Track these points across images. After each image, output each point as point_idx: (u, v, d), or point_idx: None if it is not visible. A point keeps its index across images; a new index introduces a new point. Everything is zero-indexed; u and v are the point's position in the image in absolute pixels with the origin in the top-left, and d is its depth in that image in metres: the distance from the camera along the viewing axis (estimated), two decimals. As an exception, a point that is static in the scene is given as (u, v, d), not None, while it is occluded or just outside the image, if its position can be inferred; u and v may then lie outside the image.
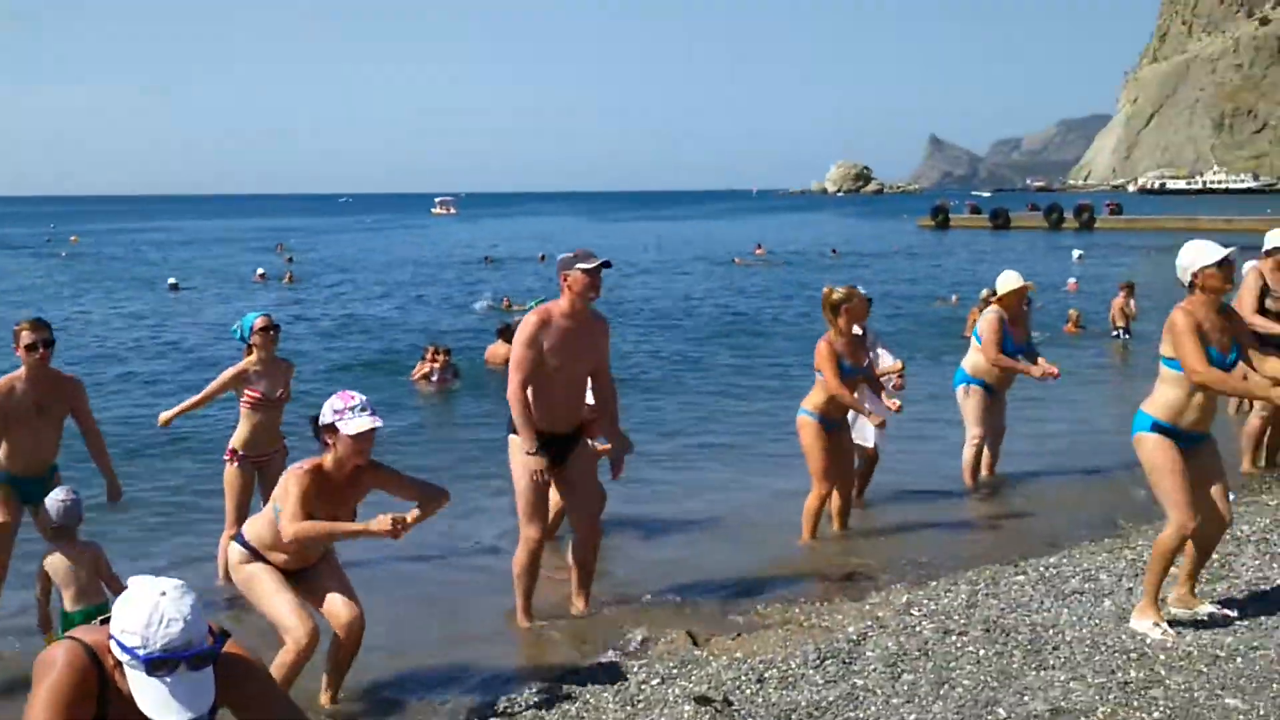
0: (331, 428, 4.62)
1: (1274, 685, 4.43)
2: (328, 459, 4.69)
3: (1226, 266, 5.05)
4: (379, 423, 4.63)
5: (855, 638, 5.26)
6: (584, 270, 5.71)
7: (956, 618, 5.45)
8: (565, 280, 5.75)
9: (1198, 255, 5.11)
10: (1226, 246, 5.12)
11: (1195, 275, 5.09)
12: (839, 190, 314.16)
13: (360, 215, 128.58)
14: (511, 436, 5.82)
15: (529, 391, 5.73)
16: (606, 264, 5.78)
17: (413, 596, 6.77)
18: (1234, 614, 5.31)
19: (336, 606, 4.84)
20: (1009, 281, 8.62)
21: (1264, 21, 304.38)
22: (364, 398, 4.70)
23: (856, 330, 7.46)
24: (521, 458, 5.78)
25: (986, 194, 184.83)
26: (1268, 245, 8.67)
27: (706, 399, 13.80)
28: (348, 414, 4.60)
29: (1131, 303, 18.96)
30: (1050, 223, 66.09)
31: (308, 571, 4.86)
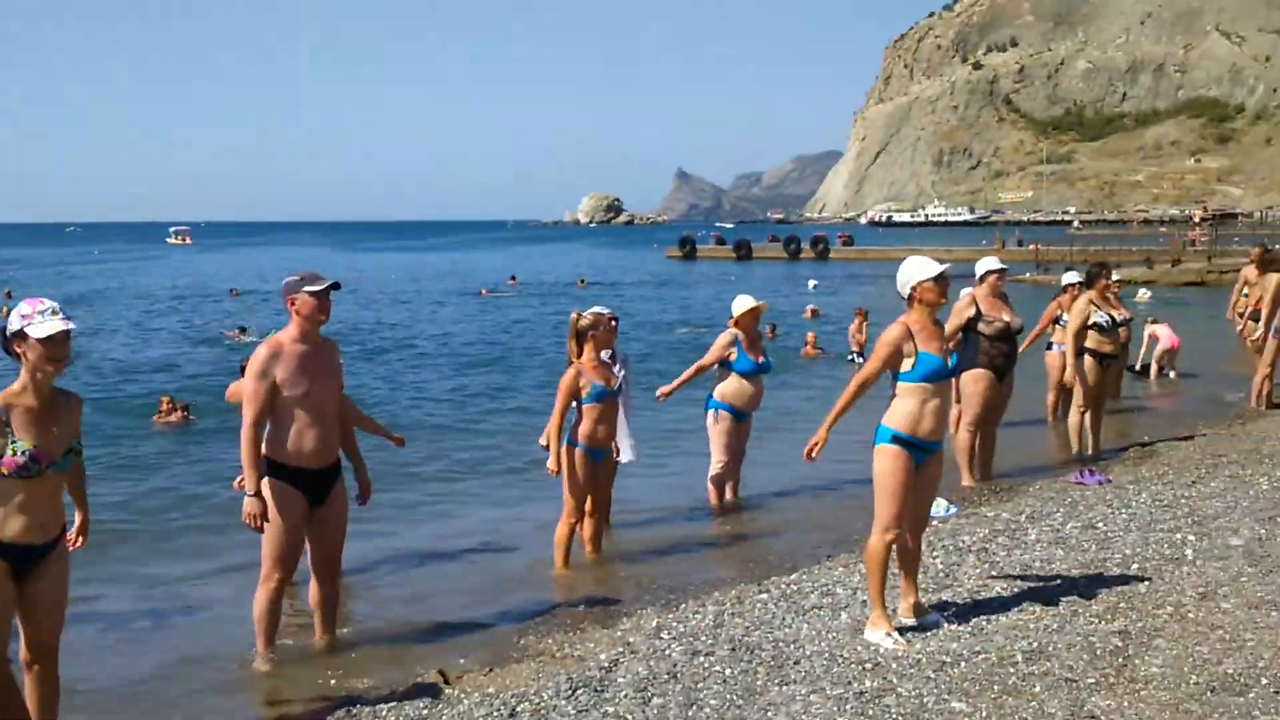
0: (20, 335, 4.25)
1: (995, 688, 4.72)
2: (21, 377, 4.30)
3: (942, 281, 5.44)
4: (71, 325, 4.29)
5: (607, 665, 5.27)
6: (311, 293, 5.53)
7: (704, 638, 5.56)
8: (293, 305, 5.56)
9: (916, 270, 5.48)
10: (943, 264, 5.52)
11: (914, 289, 5.46)
12: (591, 221, 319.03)
13: (89, 246, 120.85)
14: (267, 479, 5.57)
15: (278, 428, 5.51)
16: (335, 285, 5.64)
17: (150, 642, 6.42)
18: (958, 621, 5.65)
19: (37, 633, 4.41)
20: (743, 303, 8.95)
21: (977, 66, 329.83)
22: (55, 303, 4.34)
23: (604, 355, 7.54)
24: (274, 498, 5.54)
25: (730, 225, 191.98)
26: (980, 271, 9.35)
27: (457, 431, 13.63)
28: (36, 318, 4.24)
29: (865, 327, 20.04)
30: (789, 253, 69.25)
31: (40, 566, 4.34)
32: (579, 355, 7.35)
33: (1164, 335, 16.21)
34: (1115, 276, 10.71)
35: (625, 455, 8.00)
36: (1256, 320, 13.05)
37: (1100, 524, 7.47)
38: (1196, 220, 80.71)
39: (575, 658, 5.58)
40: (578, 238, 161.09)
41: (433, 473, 11.16)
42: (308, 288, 5.55)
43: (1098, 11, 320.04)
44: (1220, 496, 8.09)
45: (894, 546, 5.48)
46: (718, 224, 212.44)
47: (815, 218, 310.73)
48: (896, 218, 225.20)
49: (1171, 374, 16.15)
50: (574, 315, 7.51)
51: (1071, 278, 11.84)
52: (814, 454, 5.53)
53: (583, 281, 48.51)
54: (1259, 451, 9.74)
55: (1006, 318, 9.16)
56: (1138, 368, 16.10)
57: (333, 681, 5.58)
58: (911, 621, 5.60)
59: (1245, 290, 14.51)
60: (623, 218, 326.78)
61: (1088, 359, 10.15)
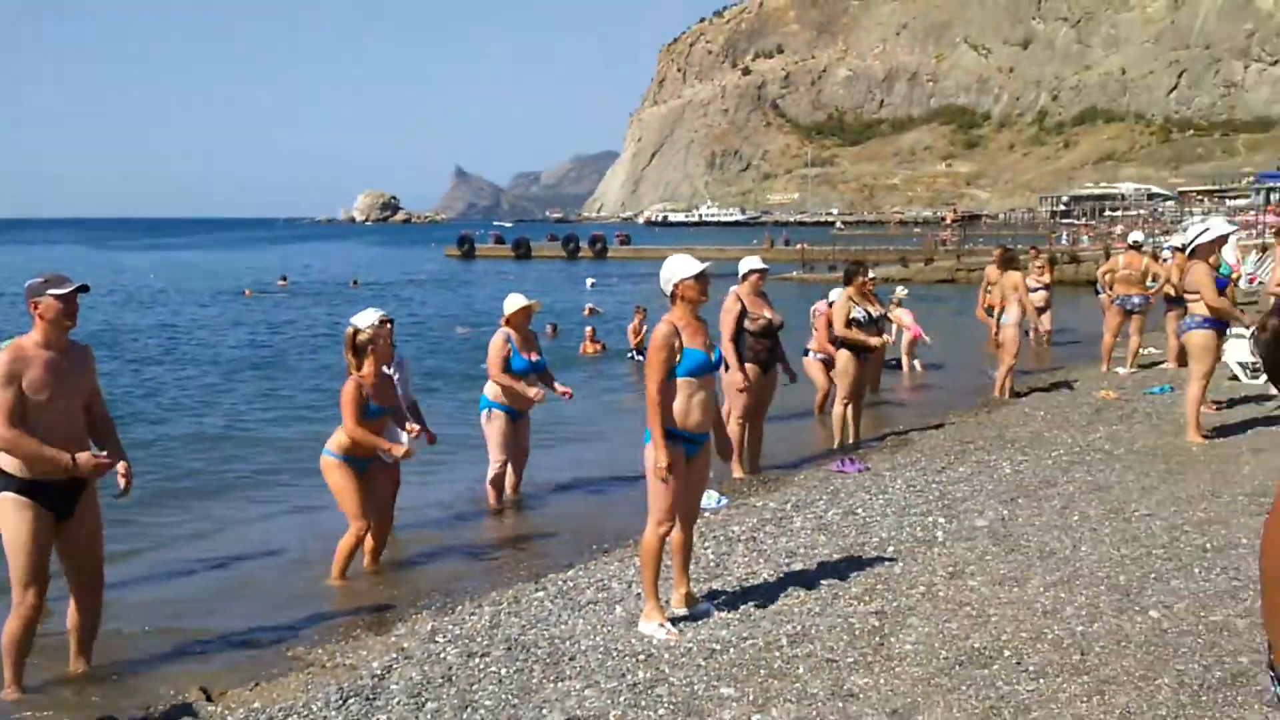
0: None
1: (761, 671, 4.89)
2: None
3: (702, 279, 5.59)
4: None
5: (380, 672, 5.17)
6: (56, 296, 5.22)
7: (480, 640, 5.53)
8: (36, 308, 5.23)
9: (678, 269, 5.61)
10: (704, 263, 5.68)
11: (676, 286, 5.59)
12: (367, 219, 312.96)
13: None
14: (5, 494, 5.19)
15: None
16: (83, 288, 5.33)
17: None
18: (728, 609, 5.82)
19: None
20: (514, 302, 9.00)
21: (746, 72, 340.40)
22: None
23: (386, 370, 7.38)
24: (14, 515, 5.16)
25: (509, 224, 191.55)
26: (742, 270, 9.66)
27: (222, 439, 13.08)
28: None
29: (644, 325, 20.38)
30: (568, 252, 69.73)
31: None
32: (359, 368, 7.17)
33: (908, 321, 17.07)
34: (871, 274, 11.24)
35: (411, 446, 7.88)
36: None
37: (859, 510, 7.84)
38: (948, 221, 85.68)
39: (347, 666, 5.44)
40: (353, 236, 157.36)
41: (201, 483, 10.69)
42: (52, 290, 5.23)
43: (857, 21, 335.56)
44: (967, 481, 8.64)
45: (667, 539, 5.60)
46: (496, 223, 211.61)
47: (593, 217, 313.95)
48: (672, 217, 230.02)
49: (915, 362, 17.07)
50: (350, 329, 7.30)
51: (836, 294, 12.27)
52: (665, 473, 5.38)
53: (355, 282, 47.38)
54: (1002, 438, 10.44)
55: (769, 314, 9.50)
56: (893, 362, 16.96)
57: (87, 704, 5.27)
58: (683, 611, 5.73)
59: (989, 288, 15.53)
60: (400, 216, 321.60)
61: (847, 353, 10.63)
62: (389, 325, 8.26)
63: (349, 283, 47.27)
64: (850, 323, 10.53)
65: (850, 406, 10.85)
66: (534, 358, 8.95)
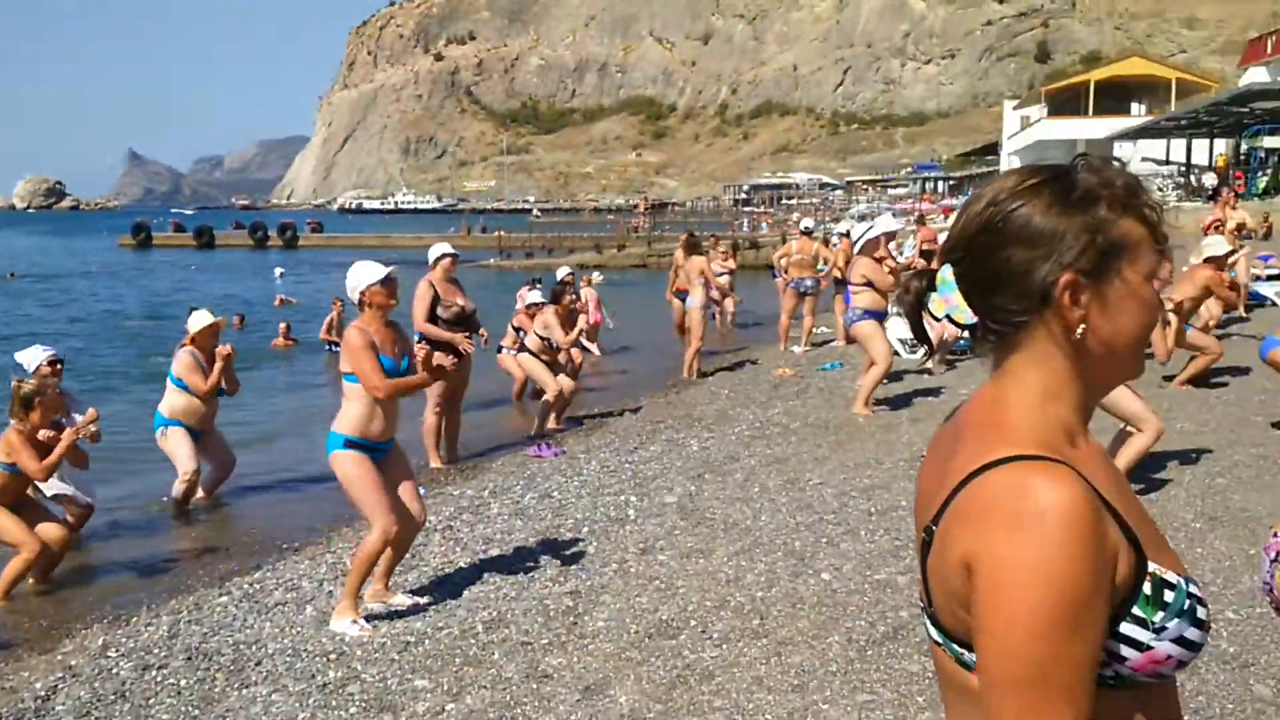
0: None
1: (457, 660, 4.88)
2: None
3: (389, 283, 5.52)
4: None
5: (44, 693, 4.79)
6: None
7: (157, 651, 5.22)
8: None
9: (364, 275, 5.51)
10: (389, 266, 5.60)
11: (363, 293, 5.47)
12: (29, 206, 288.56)
13: None
14: None
15: None
16: None
17: None
18: (424, 599, 5.76)
19: None
20: (200, 320, 8.70)
21: (439, 58, 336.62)
22: None
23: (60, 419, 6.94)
24: None
25: (190, 211, 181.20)
26: (433, 256, 9.57)
27: None
28: None
29: (342, 318, 19.72)
30: (255, 241, 66.65)
31: None
32: (25, 419, 6.69)
33: (591, 308, 17.36)
34: (572, 258, 11.44)
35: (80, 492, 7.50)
36: (683, 299, 14.56)
37: (555, 493, 7.96)
38: (641, 210, 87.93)
39: (6, 690, 5.00)
40: (13, 225, 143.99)
41: None
42: None
43: (548, 11, 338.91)
44: (658, 459, 8.94)
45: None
46: (175, 209, 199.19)
47: (283, 204, 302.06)
48: (367, 205, 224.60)
49: (594, 346, 17.46)
50: (15, 383, 6.84)
51: (535, 297, 12.27)
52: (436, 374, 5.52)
53: (13, 275, 43.32)
54: (690, 417, 10.87)
55: (461, 301, 9.46)
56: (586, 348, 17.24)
57: None
58: (378, 606, 5.63)
59: (677, 272, 16.12)
60: (66, 202, 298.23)
61: (530, 358, 10.85)
62: (59, 367, 7.85)
63: (5, 276, 43.19)
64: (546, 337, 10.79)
65: (555, 398, 10.99)
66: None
